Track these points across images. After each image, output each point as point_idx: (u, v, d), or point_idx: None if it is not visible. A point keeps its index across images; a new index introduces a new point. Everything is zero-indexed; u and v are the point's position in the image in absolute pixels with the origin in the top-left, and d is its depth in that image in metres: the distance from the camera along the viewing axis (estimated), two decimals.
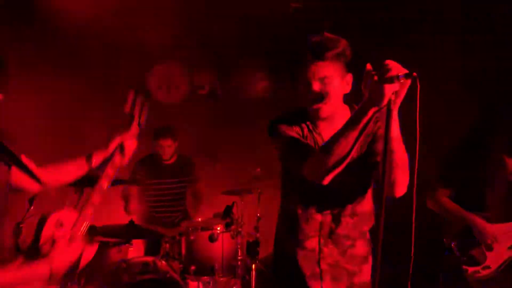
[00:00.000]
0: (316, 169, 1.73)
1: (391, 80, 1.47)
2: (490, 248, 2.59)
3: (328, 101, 1.85)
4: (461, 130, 2.88)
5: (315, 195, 1.91)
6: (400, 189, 1.75)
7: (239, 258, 3.53)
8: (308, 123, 1.95)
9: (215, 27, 4.50)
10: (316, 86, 1.83)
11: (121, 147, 2.00)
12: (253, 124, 5.12)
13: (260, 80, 5.14)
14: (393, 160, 1.65)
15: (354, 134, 1.63)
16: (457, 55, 3.60)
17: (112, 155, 1.99)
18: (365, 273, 2.00)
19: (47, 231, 1.80)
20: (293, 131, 1.91)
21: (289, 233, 2.01)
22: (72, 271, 1.77)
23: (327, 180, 1.74)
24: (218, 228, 3.37)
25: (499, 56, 3.42)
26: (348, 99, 1.96)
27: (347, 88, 1.91)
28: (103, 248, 3.60)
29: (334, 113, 1.91)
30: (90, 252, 1.88)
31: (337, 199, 1.93)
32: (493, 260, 2.59)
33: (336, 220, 1.93)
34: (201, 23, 4.58)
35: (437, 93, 3.53)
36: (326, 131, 1.92)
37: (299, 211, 1.96)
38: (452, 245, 2.67)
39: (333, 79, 1.83)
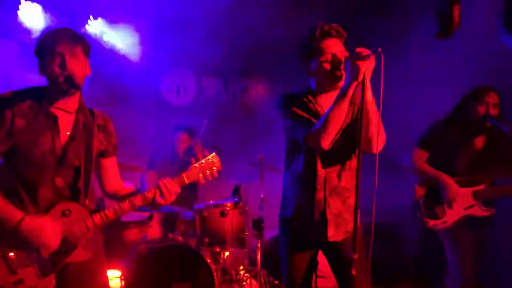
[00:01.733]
0: (317, 138, 2.19)
1: (363, 58, 2.02)
2: (450, 206, 3.09)
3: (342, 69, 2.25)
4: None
5: (319, 156, 2.34)
6: (376, 146, 2.18)
7: (246, 233, 4.05)
8: (310, 97, 2.38)
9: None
10: (326, 64, 2.27)
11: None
12: (255, 121, 5.72)
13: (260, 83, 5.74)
14: (368, 119, 2.15)
15: (344, 104, 2.13)
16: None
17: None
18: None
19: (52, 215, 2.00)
20: (298, 107, 2.33)
21: (297, 187, 2.41)
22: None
23: (327, 146, 2.20)
24: (228, 205, 3.89)
25: None
26: None
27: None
28: (125, 228, 4.13)
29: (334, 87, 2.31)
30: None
31: (337, 157, 2.35)
32: (451, 216, 3.10)
33: (338, 174, 2.37)
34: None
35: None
36: (325, 103, 2.33)
37: (306, 168, 2.36)
38: (420, 201, 3.18)
39: (340, 54, 2.27)
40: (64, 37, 1.99)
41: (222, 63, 5.53)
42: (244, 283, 4.13)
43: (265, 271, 4.15)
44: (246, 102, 5.89)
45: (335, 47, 2.29)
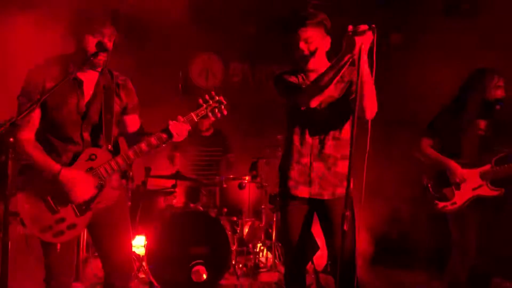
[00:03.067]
0: (306, 95, 2.47)
1: (360, 34, 2.23)
2: (458, 188, 3.22)
3: (312, 56, 2.59)
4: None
5: (307, 126, 2.64)
6: (370, 113, 2.44)
7: (263, 207, 4.31)
8: (302, 75, 2.68)
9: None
10: (302, 46, 2.58)
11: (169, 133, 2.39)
12: (276, 105, 5.94)
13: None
14: (364, 89, 2.36)
15: (333, 72, 2.36)
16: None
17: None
18: (344, 188, 2.53)
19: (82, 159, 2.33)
20: (291, 78, 2.66)
21: (289, 154, 2.72)
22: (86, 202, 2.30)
23: (314, 104, 2.48)
24: (246, 178, 4.16)
25: None
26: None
27: (327, 46, 2.63)
28: (152, 195, 4.46)
29: (319, 67, 2.56)
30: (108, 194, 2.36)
31: (323, 127, 2.64)
32: (459, 197, 3.23)
33: (322, 143, 2.65)
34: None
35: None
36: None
37: (297, 137, 2.68)
38: (429, 185, 3.33)
39: (313, 40, 2.57)
40: (107, 20, 2.30)
41: (250, 48, 5.80)
42: (260, 255, 4.41)
43: (280, 244, 4.40)
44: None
45: (300, 35, 2.57)
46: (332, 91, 2.56)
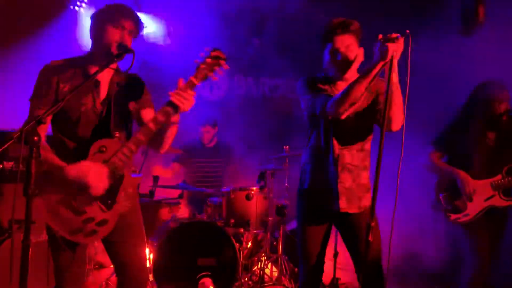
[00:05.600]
0: (334, 106, 2.38)
1: (392, 40, 2.19)
2: (470, 199, 3.20)
3: (351, 64, 2.48)
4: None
5: (334, 135, 2.55)
6: (396, 124, 2.39)
7: (270, 218, 4.24)
8: (331, 84, 2.59)
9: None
10: (344, 52, 2.47)
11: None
12: (280, 117, 5.95)
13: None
14: (392, 99, 2.32)
15: (365, 81, 2.29)
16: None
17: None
18: (367, 199, 2.59)
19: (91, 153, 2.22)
20: (320, 84, 2.56)
21: (313, 164, 2.63)
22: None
23: (342, 115, 2.40)
24: (254, 189, 4.10)
25: None
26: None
27: (362, 58, 2.53)
28: (157, 206, 4.38)
29: (352, 77, 2.48)
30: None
31: (351, 137, 2.56)
32: (472, 209, 3.20)
33: (351, 153, 2.55)
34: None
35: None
36: (342, 88, 2.51)
37: (322, 147, 2.58)
38: (441, 197, 3.31)
39: (354, 48, 2.48)
40: (129, 14, 2.28)
41: (255, 61, 5.80)
42: (265, 268, 4.32)
43: (286, 257, 4.33)
44: (275, 100, 6.13)
45: (345, 43, 2.49)
46: (361, 100, 2.49)
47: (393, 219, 2.22)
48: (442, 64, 4.17)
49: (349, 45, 2.50)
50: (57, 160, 2.17)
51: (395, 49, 2.17)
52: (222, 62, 2.23)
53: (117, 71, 2.39)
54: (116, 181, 2.24)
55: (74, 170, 2.14)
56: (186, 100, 2.19)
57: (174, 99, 2.19)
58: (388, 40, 2.18)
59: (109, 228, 2.25)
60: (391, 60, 2.20)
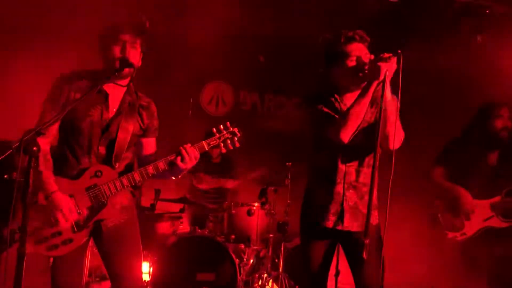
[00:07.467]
0: (338, 131, 2.38)
1: (384, 60, 2.24)
2: (468, 218, 3.19)
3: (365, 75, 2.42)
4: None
5: (340, 151, 2.52)
6: (392, 143, 2.36)
7: (271, 235, 4.24)
8: (336, 96, 2.56)
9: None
10: (362, 59, 2.43)
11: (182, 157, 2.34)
12: (284, 133, 5.98)
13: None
14: (386, 116, 2.33)
15: (365, 101, 2.33)
16: None
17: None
18: (375, 218, 2.55)
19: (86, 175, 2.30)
20: (325, 105, 2.50)
21: (318, 181, 2.59)
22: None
23: (347, 140, 2.39)
24: (255, 205, 4.11)
25: None
26: None
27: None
28: (158, 220, 4.39)
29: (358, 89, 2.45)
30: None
31: (358, 154, 2.51)
32: (470, 228, 3.19)
33: (357, 171, 2.52)
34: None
35: None
36: (350, 102, 2.46)
37: (327, 164, 2.53)
38: (439, 215, 3.30)
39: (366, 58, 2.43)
40: (126, 27, 2.34)
41: (259, 77, 5.86)
42: (266, 286, 4.29)
43: (287, 275, 4.29)
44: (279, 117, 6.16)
45: (359, 50, 2.49)
46: (367, 116, 2.49)
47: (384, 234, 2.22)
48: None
49: (365, 54, 2.49)
50: (51, 180, 2.23)
51: (388, 68, 2.22)
52: (236, 139, 2.39)
53: (129, 89, 2.43)
54: (96, 207, 2.29)
55: (56, 199, 2.20)
56: (190, 159, 2.31)
57: (181, 154, 2.29)
58: (380, 59, 2.22)
59: (71, 247, 2.27)
60: (384, 78, 2.24)
